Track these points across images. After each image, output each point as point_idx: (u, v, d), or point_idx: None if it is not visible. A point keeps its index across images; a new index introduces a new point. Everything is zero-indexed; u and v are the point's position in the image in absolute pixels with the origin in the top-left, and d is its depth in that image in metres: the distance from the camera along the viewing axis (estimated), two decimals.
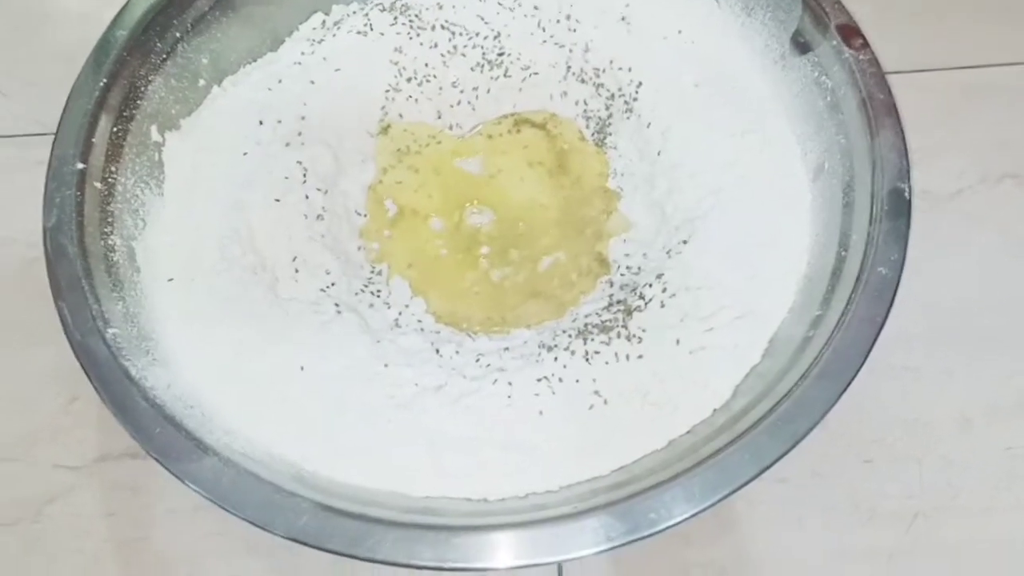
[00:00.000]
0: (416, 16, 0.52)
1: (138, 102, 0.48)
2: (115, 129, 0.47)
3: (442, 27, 0.51)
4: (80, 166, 0.44)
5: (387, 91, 0.51)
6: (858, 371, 0.39)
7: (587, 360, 0.43)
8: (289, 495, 0.38)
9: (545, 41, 0.52)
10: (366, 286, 0.48)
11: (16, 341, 0.49)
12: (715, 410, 0.42)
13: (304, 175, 0.48)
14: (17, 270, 0.50)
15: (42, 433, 0.47)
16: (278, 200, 0.47)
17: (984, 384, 0.48)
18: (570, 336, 0.44)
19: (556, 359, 0.43)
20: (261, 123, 0.49)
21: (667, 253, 0.46)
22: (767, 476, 0.38)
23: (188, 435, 0.39)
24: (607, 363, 0.43)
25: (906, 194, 0.43)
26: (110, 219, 0.45)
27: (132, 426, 0.38)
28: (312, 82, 0.50)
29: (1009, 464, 0.47)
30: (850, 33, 0.47)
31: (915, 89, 0.47)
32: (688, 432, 0.42)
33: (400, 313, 0.47)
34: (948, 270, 0.50)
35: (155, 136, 0.49)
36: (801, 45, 0.49)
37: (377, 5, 0.52)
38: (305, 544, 0.36)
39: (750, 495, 0.44)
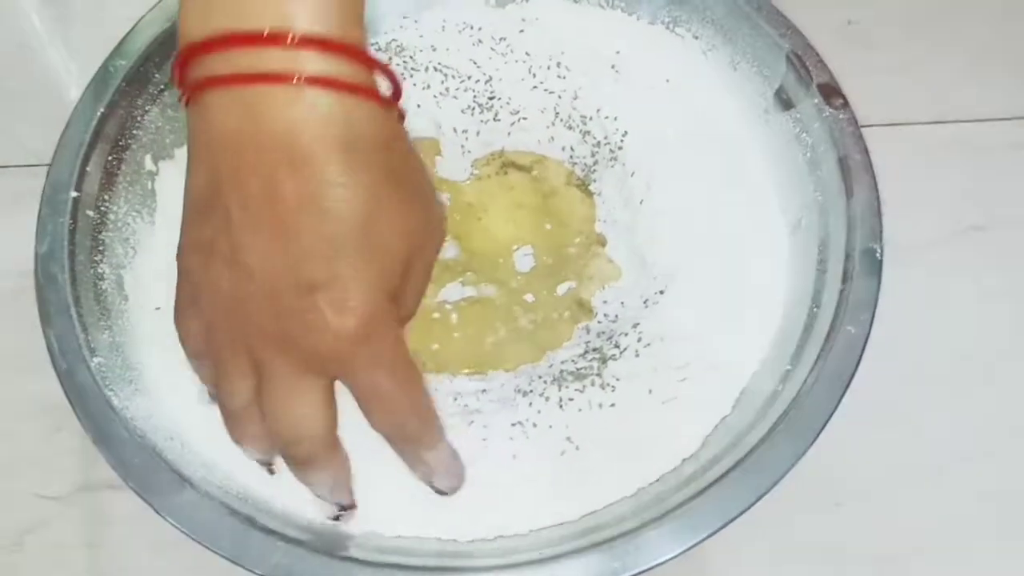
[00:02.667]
0: (411, 57, 0.53)
1: (134, 132, 0.49)
2: (110, 158, 0.48)
3: (435, 69, 0.52)
4: (74, 194, 0.45)
5: None
6: (823, 427, 0.41)
7: (561, 407, 0.44)
8: (264, 531, 0.38)
9: (535, 87, 0.53)
10: None
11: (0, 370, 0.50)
12: (684, 460, 0.43)
13: None
14: (1, 301, 0.51)
15: (24, 462, 0.48)
16: None
17: (955, 431, 0.49)
18: (545, 382, 0.45)
19: (531, 404, 0.44)
20: None
21: (644, 302, 0.47)
22: (738, 520, 0.39)
23: (168, 467, 0.39)
24: (580, 410, 0.44)
25: (877, 255, 0.44)
26: (101, 247, 0.46)
27: (112, 456, 0.39)
28: None
29: (980, 511, 0.48)
30: (831, 92, 0.49)
31: (888, 142, 0.49)
32: (657, 480, 0.43)
33: None
34: (919, 320, 0.51)
35: (149, 165, 0.50)
36: (784, 101, 0.50)
37: (373, 45, 0.53)
38: None
39: (721, 538, 0.43)
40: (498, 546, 0.41)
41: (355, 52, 0.34)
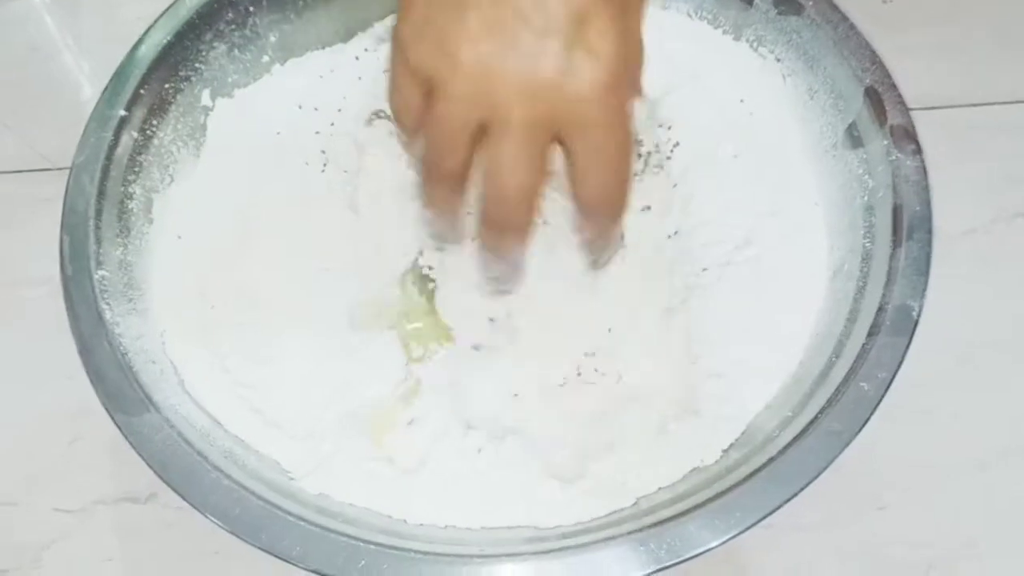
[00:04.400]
0: None
1: (197, 64, 0.50)
2: (167, 86, 0.49)
3: None
4: (122, 113, 0.46)
5: None
6: (809, 483, 0.38)
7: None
8: (213, 468, 0.38)
9: None
10: None
11: (16, 383, 0.50)
12: (660, 488, 0.41)
13: (324, 165, 0.49)
14: (18, 310, 0.52)
15: (42, 476, 0.48)
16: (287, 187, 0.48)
17: (998, 426, 0.48)
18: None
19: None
20: (300, 107, 0.50)
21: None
22: (779, 522, 0.37)
23: (139, 387, 0.40)
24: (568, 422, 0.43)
25: (914, 313, 0.41)
26: (137, 168, 0.47)
27: (90, 366, 0.40)
28: (359, 78, 0.51)
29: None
30: (904, 136, 0.45)
31: (928, 126, 0.46)
32: (633, 504, 0.41)
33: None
34: (961, 310, 0.50)
35: (205, 100, 0.50)
36: (854, 138, 0.47)
37: None
38: (210, 518, 0.37)
39: (763, 542, 0.45)
40: (448, 536, 0.40)
41: None
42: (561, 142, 0.37)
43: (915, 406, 0.47)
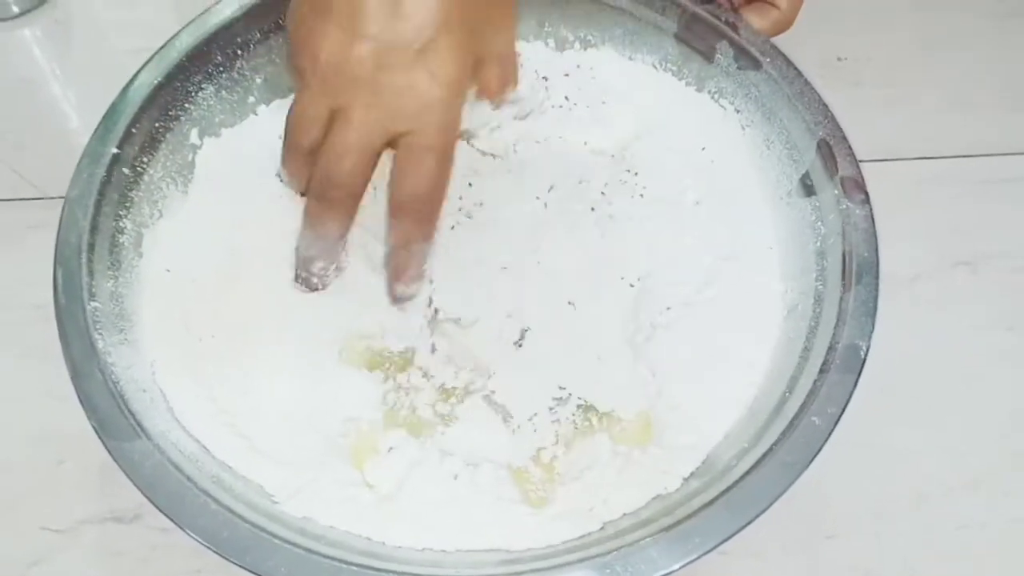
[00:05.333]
0: None
1: (186, 105, 0.52)
2: (157, 124, 0.51)
3: None
4: (115, 151, 0.48)
5: None
6: (764, 511, 0.40)
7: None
8: (201, 491, 0.40)
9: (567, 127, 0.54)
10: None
11: (4, 404, 0.51)
12: (624, 514, 0.43)
13: None
14: (8, 333, 0.53)
15: (29, 495, 0.49)
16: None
17: (940, 461, 0.51)
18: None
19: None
20: (271, 143, 0.53)
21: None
22: (734, 549, 0.40)
23: (130, 415, 0.41)
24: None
25: (862, 352, 0.44)
26: (128, 203, 0.49)
27: (81, 392, 0.42)
28: None
29: (963, 540, 0.49)
30: (854, 187, 0.48)
31: (878, 177, 0.49)
32: (600, 529, 0.43)
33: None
34: (907, 349, 0.53)
35: (194, 139, 0.53)
36: (807, 187, 0.50)
37: None
38: (198, 539, 0.39)
39: (717, 567, 0.47)
40: (424, 558, 0.42)
41: None
42: (393, 146, 0.43)
43: (861, 440, 0.50)
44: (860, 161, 0.49)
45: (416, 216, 0.45)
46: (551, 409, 0.46)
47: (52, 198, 0.48)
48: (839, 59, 0.64)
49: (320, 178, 0.44)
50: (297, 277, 0.48)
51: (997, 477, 0.51)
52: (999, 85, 0.64)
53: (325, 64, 0.42)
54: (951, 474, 0.51)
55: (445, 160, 0.44)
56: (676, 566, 0.39)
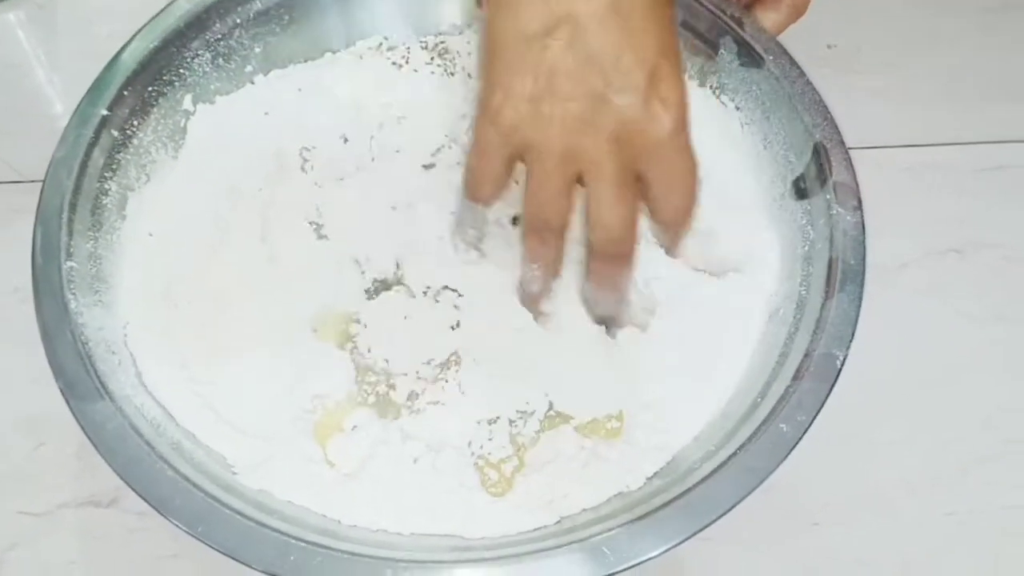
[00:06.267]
0: (451, 61, 0.55)
1: (181, 71, 0.52)
2: (150, 89, 0.51)
3: (468, 76, 0.54)
4: (104, 112, 0.48)
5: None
6: (721, 516, 0.40)
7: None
8: (159, 458, 0.40)
9: None
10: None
11: None
12: (584, 509, 0.43)
13: (299, 175, 0.51)
14: None
15: (7, 479, 0.49)
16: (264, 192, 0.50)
17: (927, 451, 0.51)
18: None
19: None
20: (279, 118, 0.53)
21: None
22: (716, 537, 0.40)
23: (95, 375, 0.42)
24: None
25: (838, 362, 0.43)
26: (114, 166, 0.49)
27: (49, 351, 0.42)
28: (338, 94, 0.54)
29: (951, 529, 0.49)
30: (847, 193, 0.47)
31: (867, 164, 0.49)
32: (556, 522, 0.43)
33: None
34: (894, 341, 0.53)
35: (187, 105, 0.52)
36: (800, 190, 0.49)
37: (421, 42, 0.55)
38: (152, 504, 0.39)
39: (702, 556, 0.47)
40: (378, 539, 0.42)
41: None
42: (640, 177, 0.43)
43: (848, 430, 0.50)
44: (849, 148, 0.48)
45: (684, 224, 0.46)
46: (523, 404, 0.46)
47: (34, 181, 0.48)
48: (829, 47, 0.64)
49: (602, 240, 0.44)
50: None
51: (985, 465, 0.51)
52: (989, 74, 0.64)
53: (563, 123, 0.41)
54: (939, 462, 0.51)
55: (693, 173, 0.44)
56: (621, 567, 0.38)
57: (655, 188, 0.44)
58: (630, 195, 0.43)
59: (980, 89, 0.63)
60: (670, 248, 0.49)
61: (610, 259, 0.45)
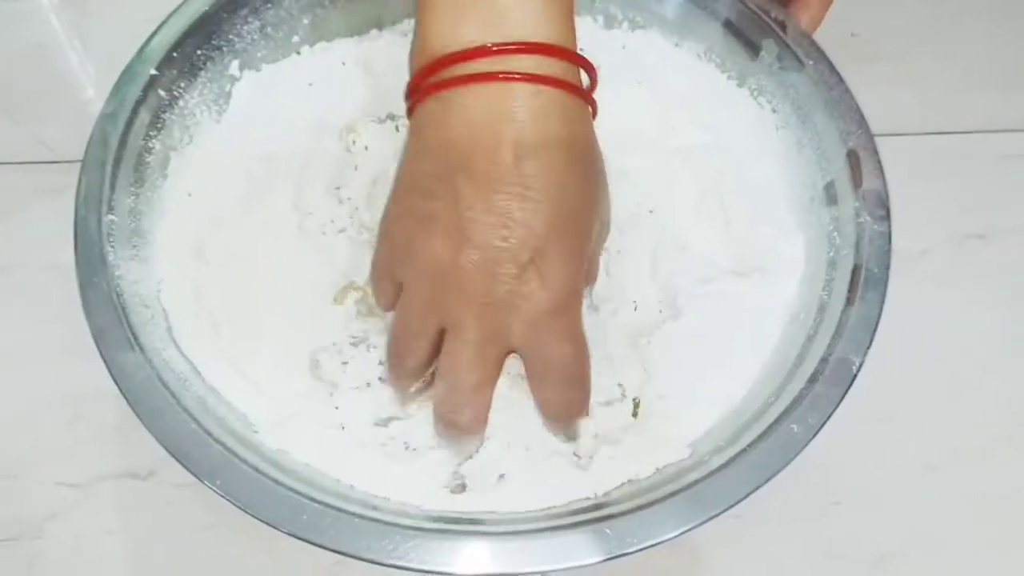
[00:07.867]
0: None
1: (230, 36, 0.53)
2: (199, 52, 0.52)
3: None
4: (153, 72, 0.50)
5: None
6: (726, 510, 0.40)
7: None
8: (183, 410, 0.41)
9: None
10: None
11: (20, 363, 0.52)
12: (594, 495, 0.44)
13: (339, 146, 0.52)
14: (25, 294, 0.54)
15: (44, 451, 0.50)
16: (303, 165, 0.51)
17: (947, 433, 0.52)
18: None
19: None
20: (323, 89, 0.54)
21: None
22: (734, 515, 0.40)
23: (127, 325, 0.43)
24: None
25: (854, 368, 0.43)
26: (160, 125, 0.50)
27: (85, 300, 0.43)
28: (379, 71, 0.54)
29: (970, 508, 0.50)
30: (876, 202, 0.48)
31: (889, 151, 0.49)
32: (544, 508, 0.43)
33: None
34: (916, 325, 0.54)
35: (234, 70, 0.53)
36: (830, 196, 0.49)
37: None
38: (173, 455, 0.40)
39: (719, 534, 0.48)
40: (389, 507, 0.43)
41: (572, 55, 0.41)
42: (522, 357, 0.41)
43: (872, 412, 0.52)
44: (873, 135, 0.49)
45: (570, 419, 0.43)
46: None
47: (69, 161, 0.49)
48: (852, 35, 0.64)
49: (446, 404, 0.42)
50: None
51: (1003, 448, 0.52)
52: (1013, 61, 0.64)
53: (432, 277, 0.40)
54: (958, 444, 0.52)
55: (576, 360, 0.42)
56: (606, 556, 0.39)
57: (530, 374, 0.42)
58: (489, 363, 0.41)
59: (1003, 76, 0.64)
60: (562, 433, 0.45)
61: (452, 423, 0.42)
